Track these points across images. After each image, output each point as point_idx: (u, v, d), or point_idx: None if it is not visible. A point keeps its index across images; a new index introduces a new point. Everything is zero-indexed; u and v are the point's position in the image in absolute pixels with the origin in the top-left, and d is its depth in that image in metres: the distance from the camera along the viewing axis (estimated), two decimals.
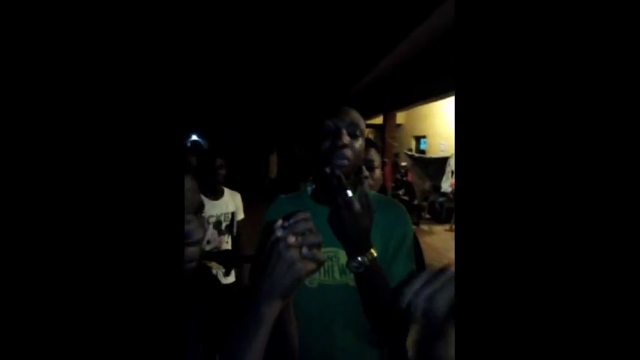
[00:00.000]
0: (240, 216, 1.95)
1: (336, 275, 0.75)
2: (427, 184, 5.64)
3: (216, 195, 1.83)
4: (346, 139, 0.71)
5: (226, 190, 1.90)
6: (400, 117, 7.27)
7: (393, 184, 6.21)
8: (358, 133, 0.74)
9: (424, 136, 7.28)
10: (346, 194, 0.63)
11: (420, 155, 6.43)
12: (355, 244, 0.65)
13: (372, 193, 0.85)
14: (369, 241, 0.65)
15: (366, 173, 1.07)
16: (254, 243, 1.09)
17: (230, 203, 1.89)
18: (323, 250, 0.75)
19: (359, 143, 0.74)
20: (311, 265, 0.46)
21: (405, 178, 6.35)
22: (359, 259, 0.64)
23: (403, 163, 6.63)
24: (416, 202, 5.70)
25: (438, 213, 5.75)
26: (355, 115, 0.76)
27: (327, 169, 0.67)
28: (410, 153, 6.62)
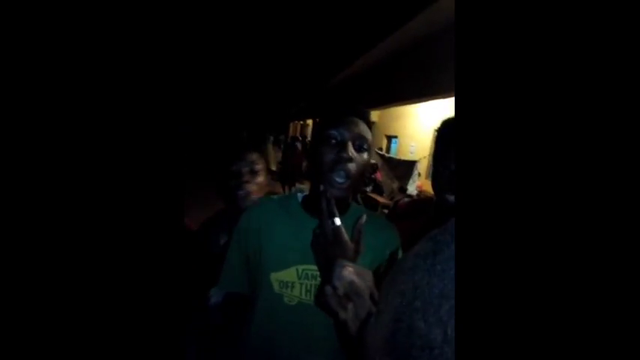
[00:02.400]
0: None
1: None
2: (395, 185, 5.77)
3: None
4: (351, 152, 0.66)
5: None
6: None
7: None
8: (365, 146, 0.69)
9: (396, 137, 7.42)
10: (334, 222, 0.56)
11: (390, 156, 6.56)
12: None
13: (362, 209, 0.79)
14: None
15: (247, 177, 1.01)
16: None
17: None
18: (305, 267, 0.70)
19: (364, 158, 0.69)
20: None
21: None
22: None
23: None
24: (382, 200, 5.83)
25: None
26: (363, 127, 0.70)
27: (321, 187, 0.61)
28: (381, 152, 6.73)
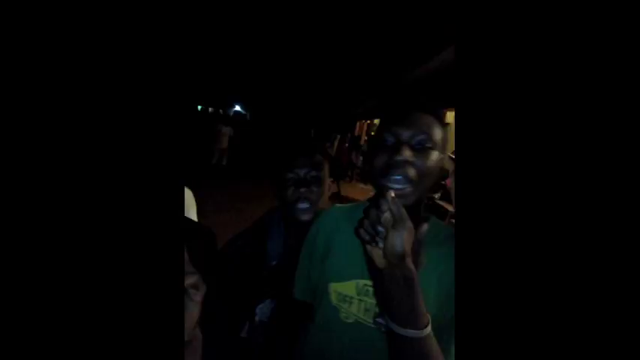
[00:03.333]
0: (192, 217, 1.31)
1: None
2: None
3: None
4: (407, 154, 0.55)
5: None
6: (449, 116, 6.81)
7: None
8: (429, 144, 0.58)
9: None
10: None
11: None
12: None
13: (440, 224, 0.69)
14: None
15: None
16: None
17: None
18: (366, 282, 0.67)
19: (431, 158, 0.58)
20: None
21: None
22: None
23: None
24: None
25: None
26: (426, 122, 0.59)
27: (388, 196, 0.50)
28: (453, 157, 6.22)
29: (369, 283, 0.64)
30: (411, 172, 0.56)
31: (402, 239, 0.47)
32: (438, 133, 0.60)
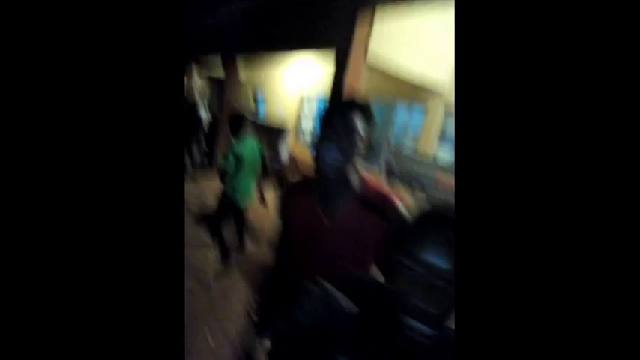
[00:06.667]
0: None
1: None
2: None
3: None
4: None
5: None
6: (242, 72, 6.52)
7: None
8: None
9: (262, 98, 6.87)
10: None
11: (261, 123, 6.07)
12: None
13: None
14: None
15: None
16: None
17: None
18: None
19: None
20: None
21: None
22: None
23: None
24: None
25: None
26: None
27: None
28: (252, 119, 6.16)
29: None
30: None
31: None
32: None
